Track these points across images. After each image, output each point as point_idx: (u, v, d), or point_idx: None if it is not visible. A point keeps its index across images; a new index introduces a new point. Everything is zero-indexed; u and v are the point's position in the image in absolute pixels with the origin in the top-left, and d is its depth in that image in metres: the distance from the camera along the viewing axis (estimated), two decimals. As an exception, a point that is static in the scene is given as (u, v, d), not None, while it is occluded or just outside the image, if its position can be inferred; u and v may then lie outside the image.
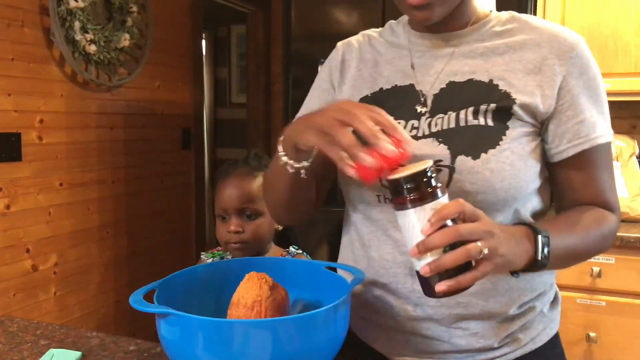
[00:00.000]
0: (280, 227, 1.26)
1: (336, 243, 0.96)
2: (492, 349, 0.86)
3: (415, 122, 0.85)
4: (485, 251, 0.65)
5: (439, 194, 0.67)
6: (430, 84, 0.87)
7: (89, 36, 2.18)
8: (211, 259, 1.29)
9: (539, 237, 0.74)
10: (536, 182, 0.84)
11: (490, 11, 0.90)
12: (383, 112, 0.71)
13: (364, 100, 0.91)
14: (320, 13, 2.34)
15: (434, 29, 0.89)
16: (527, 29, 0.86)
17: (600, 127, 0.83)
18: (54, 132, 2.17)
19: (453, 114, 0.83)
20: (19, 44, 2.00)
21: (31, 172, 2.07)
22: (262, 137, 3.52)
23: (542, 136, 0.84)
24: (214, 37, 4.51)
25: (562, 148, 0.83)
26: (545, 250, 0.74)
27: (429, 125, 0.84)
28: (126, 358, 0.95)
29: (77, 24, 2.13)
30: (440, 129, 0.83)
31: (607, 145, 0.85)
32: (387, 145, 0.66)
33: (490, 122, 0.81)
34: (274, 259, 1.11)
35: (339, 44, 1.00)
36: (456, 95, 0.84)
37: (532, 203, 0.85)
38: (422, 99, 0.86)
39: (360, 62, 0.95)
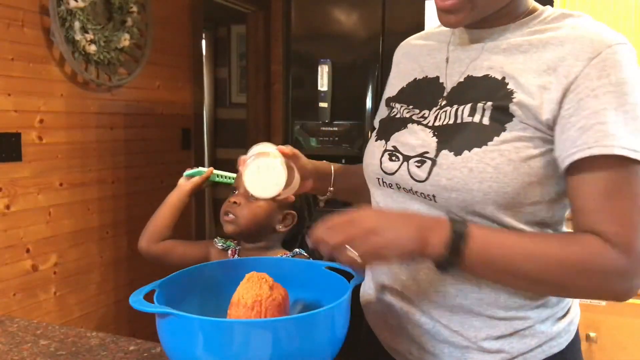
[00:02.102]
0: (286, 229, 1.26)
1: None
2: (476, 350, 0.82)
3: (426, 112, 0.87)
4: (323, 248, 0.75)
5: None
6: (453, 77, 0.87)
7: (89, 36, 2.18)
8: (221, 244, 1.33)
9: (451, 231, 0.72)
10: (536, 194, 0.77)
11: (547, 6, 0.85)
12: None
13: (401, 91, 0.95)
14: (320, 13, 2.34)
15: (479, 25, 0.85)
16: (565, 28, 0.79)
17: (620, 139, 0.70)
18: (54, 132, 2.16)
19: (453, 110, 0.83)
20: (19, 44, 2.00)
21: (31, 172, 2.07)
22: (262, 137, 3.52)
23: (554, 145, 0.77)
24: (214, 37, 4.51)
25: (563, 155, 0.74)
26: (453, 246, 0.72)
27: (436, 117, 0.85)
28: (126, 358, 0.95)
29: (77, 24, 2.13)
30: (441, 124, 0.83)
31: (629, 164, 0.71)
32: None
33: (485, 121, 0.78)
34: (274, 259, 1.11)
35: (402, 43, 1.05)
36: (469, 90, 0.83)
37: (532, 216, 0.79)
38: (444, 92, 0.87)
39: (407, 55, 1.00)
